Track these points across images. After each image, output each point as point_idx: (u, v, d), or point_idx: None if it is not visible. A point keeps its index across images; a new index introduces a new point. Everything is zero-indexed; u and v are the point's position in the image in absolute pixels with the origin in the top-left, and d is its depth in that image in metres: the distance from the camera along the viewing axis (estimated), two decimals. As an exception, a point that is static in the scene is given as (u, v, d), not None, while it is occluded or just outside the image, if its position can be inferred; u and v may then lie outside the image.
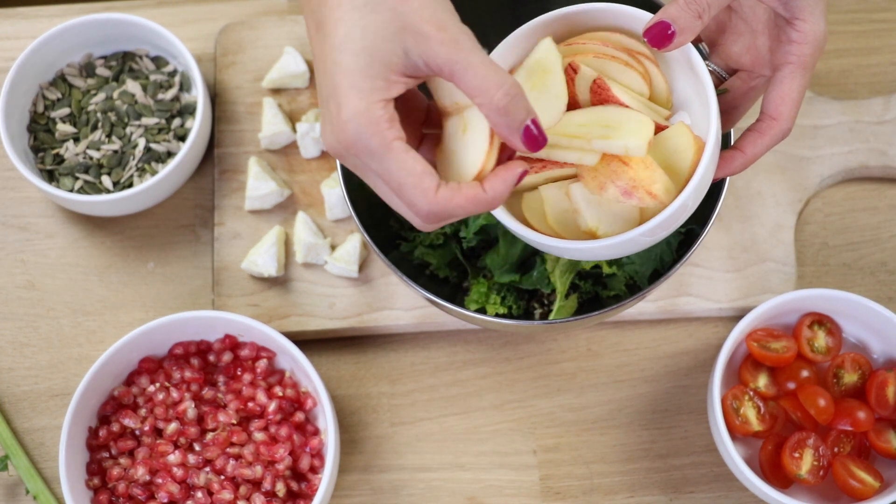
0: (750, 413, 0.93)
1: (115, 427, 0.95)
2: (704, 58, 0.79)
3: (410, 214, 0.67)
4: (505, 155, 0.70)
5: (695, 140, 0.72)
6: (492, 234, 0.95)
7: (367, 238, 0.88)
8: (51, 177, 1.05)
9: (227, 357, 0.98)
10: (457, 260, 0.97)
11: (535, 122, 0.65)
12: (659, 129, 0.73)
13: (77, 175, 1.04)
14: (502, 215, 0.75)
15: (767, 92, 0.75)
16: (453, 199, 0.65)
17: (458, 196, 0.66)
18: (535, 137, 0.66)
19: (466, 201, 0.66)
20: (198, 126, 1.02)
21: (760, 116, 0.76)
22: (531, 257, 0.95)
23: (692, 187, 0.70)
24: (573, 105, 0.75)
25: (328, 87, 0.66)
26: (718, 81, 0.79)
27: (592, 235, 0.73)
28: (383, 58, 0.65)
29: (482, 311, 0.93)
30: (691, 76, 0.75)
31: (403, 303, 1.01)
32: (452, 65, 0.64)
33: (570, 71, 0.74)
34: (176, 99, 1.07)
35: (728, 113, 0.79)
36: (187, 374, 0.97)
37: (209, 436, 0.95)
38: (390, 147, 0.64)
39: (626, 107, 0.72)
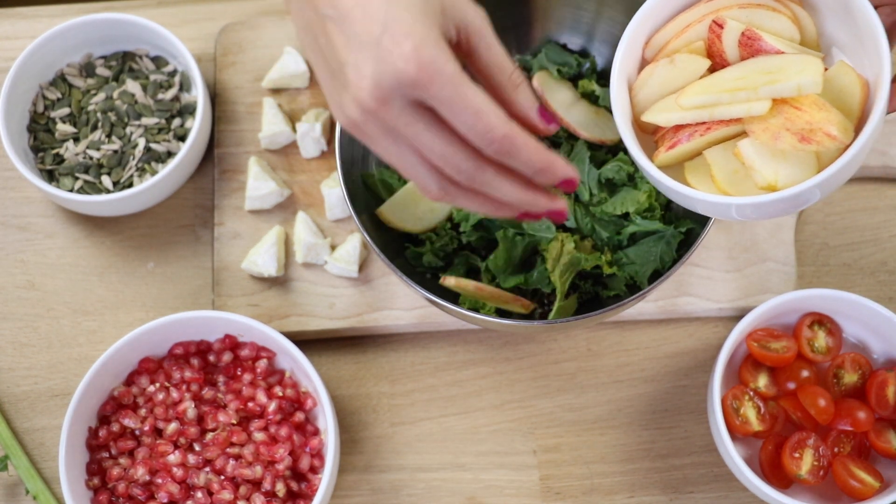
0: (750, 413, 0.93)
1: (115, 427, 0.95)
2: None
3: (483, 139, 0.69)
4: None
5: (858, 77, 0.70)
6: (492, 233, 0.95)
7: (368, 238, 0.88)
8: (51, 177, 1.05)
9: (227, 357, 0.98)
10: (458, 260, 0.96)
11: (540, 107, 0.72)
12: None
13: (77, 175, 1.04)
14: (670, 183, 0.73)
15: None
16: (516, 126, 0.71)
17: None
18: (546, 114, 0.72)
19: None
20: (198, 126, 1.02)
21: None
22: (531, 257, 0.95)
23: (875, 120, 0.68)
24: (721, 64, 0.73)
25: (377, 25, 0.66)
26: None
27: (771, 189, 0.71)
28: (434, 8, 0.67)
29: (480, 310, 0.92)
30: (841, 14, 0.73)
31: (403, 303, 1.01)
32: (481, 37, 0.69)
33: (716, 27, 0.72)
34: (176, 99, 1.07)
35: None
36: (187, 374, 0.97)
37: (209, 436, 0.95)
38: (462, 73, 0.66)
39: (782, 53, 0.70)
